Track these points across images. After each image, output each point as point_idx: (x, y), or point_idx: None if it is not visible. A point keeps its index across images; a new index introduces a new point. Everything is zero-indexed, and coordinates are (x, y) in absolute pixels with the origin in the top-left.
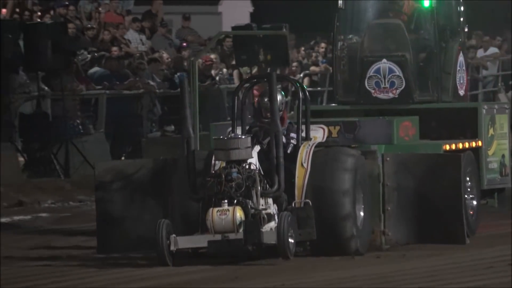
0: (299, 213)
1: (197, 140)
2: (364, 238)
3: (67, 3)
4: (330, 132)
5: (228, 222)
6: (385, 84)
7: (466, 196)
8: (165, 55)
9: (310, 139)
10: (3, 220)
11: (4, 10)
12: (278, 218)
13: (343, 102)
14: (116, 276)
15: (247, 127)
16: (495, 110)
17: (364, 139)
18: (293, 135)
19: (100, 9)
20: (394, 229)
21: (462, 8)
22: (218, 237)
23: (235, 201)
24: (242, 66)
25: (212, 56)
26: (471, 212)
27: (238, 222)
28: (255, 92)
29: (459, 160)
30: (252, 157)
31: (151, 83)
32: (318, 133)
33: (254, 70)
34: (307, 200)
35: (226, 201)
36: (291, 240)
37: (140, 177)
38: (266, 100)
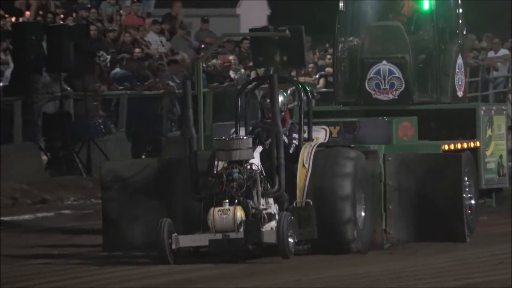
0: (300, 212)
1: (202, 140)
2: (365, 238)
3: (89, 6)
4: (330, 133)
5: (228, 222)
6: (385, 86)
7: (464, 195)
8: (185, 56)
9: (312, 140)
10: (26, 217)
11: (28, 13)
12: (278, 218)
13: (344, 103)
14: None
15: (250, 128)
16: (493, 111)
17: (364, 139)
18: (295, 135)
19: (121, 11)
20: (395, 228)
21: (461, 11)
22: (219, 236)
23: (236, 201)
24: (259, 67)
25: (231, 57)
26: (469, 212)
27: (238, 222)
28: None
29: (460, 160)
30: (253, 158)
31: (171, 83)
32: (320, 134)
33: (271, 71)
34: (308, 200)
35: (227, 201)
36: (290, 240)
37: (145, 176)
38: (268, 101)
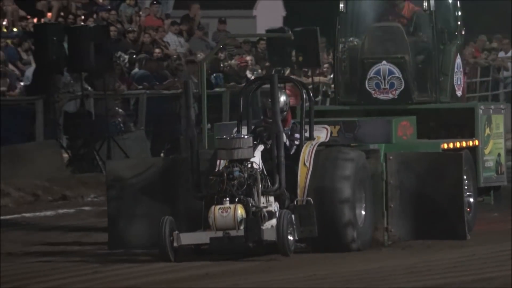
0: (301, 211)
1: (205, 139)
2: (365, 236)
3: (109, 7)
4: (331, 132)
5: (229, 220)
6: (385, 85)
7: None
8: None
9: (314, 139)
10: (48, 213)
11: (49, 14)
12: (278, 216)
13: (344, 103)
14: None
15: (252, 127)
16: (491, 110)
17: (364, 138)
18: (297, 135)
19: (140, 13)
20: (397, 226)
21: (459, 13)
22: (219, 234)
23: (237, 199)
24: (275, 67)
25: (248, 58)
26: (468, 209)
27: (239, 220)
28: (288, 92)
29: (460, 158)
30: (254, 157)
31: None
32: (322, 133)
33: (287, 71)
34: (309, 198)
35: (227, 199)
36: (290, 238)
37: (150, 175)
38: (269, 100)
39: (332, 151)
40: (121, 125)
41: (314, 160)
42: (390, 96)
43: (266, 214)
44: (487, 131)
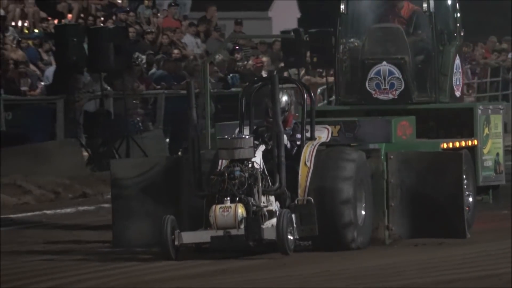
0: (301, 210)
1: (209, 139)
2: (365, 235)
3: (128, 9)
4: (331, 132)
5: (230, 219)
6: (385, 86)
7: None
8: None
9: (315, 139)
10: (68, 210)
11: (70, 15)
12: (277, 215)
13: (345, 103)
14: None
15: (254, 127)
16: (490, 110)
17: (364, 138)
18: (298, 136)
19: (158, 14)
20: (397, 224)
21: (458, 14)
22: (220, 233)
23: (237, 198)
24: (290, 67)
25: (263, 58)
26: (467, 208)
27: (239, 219)
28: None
29: (460, 158)
30: (255, 156)
31: None
32: (323, 133)
33: (302, 71)
34: (309, 198)
35: (228, 198)
36: (290, 237)
37: (154, 174)
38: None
39: (333, 151)
40: (140, 124)
41: (315, 160)
42: (390, 96)
43: (266, 213)
44: (486, 131)
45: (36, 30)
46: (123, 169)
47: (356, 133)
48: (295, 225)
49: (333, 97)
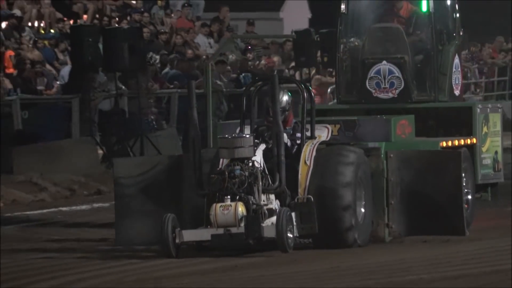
0: (301, 208)
1: (211, 138)
2: (365, 233)
3: (142, 9)
4: (331, 131)
5: (230, 217)
6: (385, 85)
7: None
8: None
9: (315, 138)
10: (83, 207)
11: (85, 16)
12: (277, 213)
13: (345, 102)
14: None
15: (255, 126)
16: (488, 109)
17: (363, 137)
18: (298, 135)
19: (172, 15)
20: (397, 222)
21: (458, 14)
22: (220, 231)
23: (238, 197)
24: (302, 67)
25: (275, 58)
26: (466, 206)
27: (239, 217)
28: (314, 92)
29: (460, 156)
30: (255, 155)
31: (219, 82)
32: (323, 132)
33: (313, 71)
34: (309, 196)
35: (229, 197)
36: (289, 235)
37: (156, 173)
38: None
39: (332, 152)
40: (154, 122)
41: (315, 159)
42: (390, 95)
43: (266, 211)
44: (485, 129)
45: (52, 31)
46: (126, 168)
47: (356, 132)
48: (295, 223)
49: None
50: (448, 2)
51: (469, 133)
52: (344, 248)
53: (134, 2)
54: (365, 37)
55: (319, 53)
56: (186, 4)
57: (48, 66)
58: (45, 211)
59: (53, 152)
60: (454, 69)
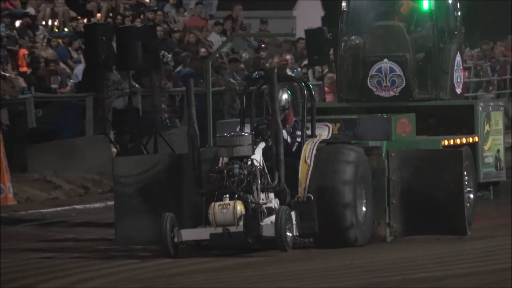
0: (301, 207)
1: (210, 136)
2: (365, 232)
3: (155, 8)
4: (332, 130)
5: (229, 216)
6: (386, 83)
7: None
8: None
9: (315, 136)
10: (97, 205)
11: (99, 15)
12: (276, 212)
13: (347, 100)
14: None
15: (255, 125)
16: (490, 107)
17: (364, 136)
18: (298, 133)
19: (185, 13)
20: (398, 221)
21: (459, 13)
22: (219, 230)
23: (236, 195)
24: (314, 65)
25: (288, 56)
26: (468, 205)
27: (238, 216)
28: (326, 89)
29: (461, 155)
30: (254, 154)
31: (232, 81)
32: (324, 131)
33: (326, 69)
34: (309, 195)
35: (227, 195)
36: (289, 234)
37: (156, 171)
38: None
39: (332, 151)
40: (167, 121)
41: (315, 158)
42: (392, 93)
43: (265, 210)
44: (487, 127)
45: (66, 29)
46: (126, 167)
47: (356, 131)
48: (294, 222)
49: None
50: (450, 0)
51: (471, 132)
52: (345, 247)
53: (147, 0)
54: (366, 35)
55: (331, 51)
56: (199, 3)
57: (62, 65)
58: (59, 209)
59: (67, 150)
60: (455, 67)
